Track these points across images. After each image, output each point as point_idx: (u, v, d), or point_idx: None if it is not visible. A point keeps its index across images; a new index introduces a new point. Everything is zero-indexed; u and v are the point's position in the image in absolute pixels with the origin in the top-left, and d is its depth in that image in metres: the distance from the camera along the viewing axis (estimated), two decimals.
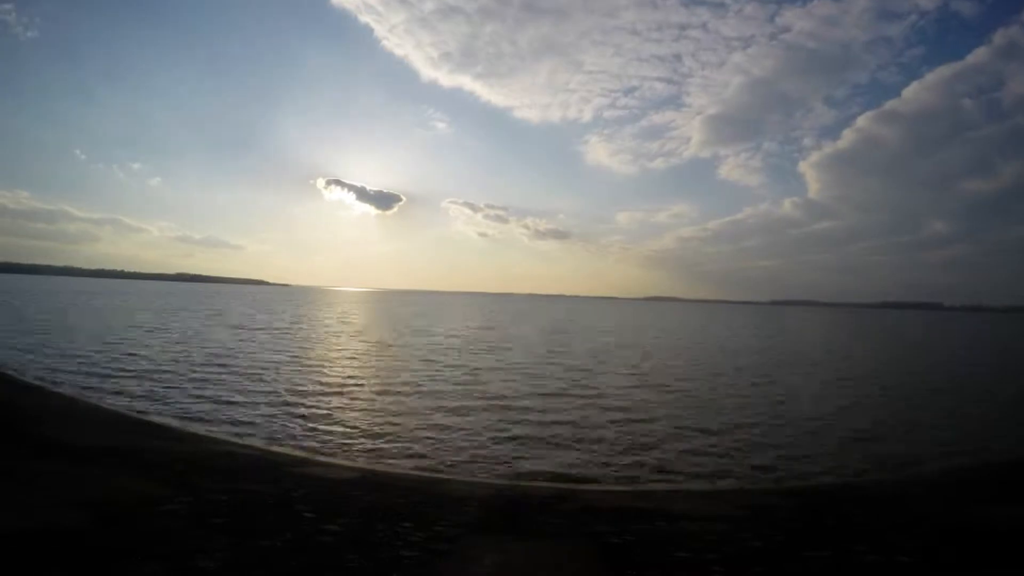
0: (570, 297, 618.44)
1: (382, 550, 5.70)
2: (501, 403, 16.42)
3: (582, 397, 18.03)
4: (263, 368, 21.72)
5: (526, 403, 16.57)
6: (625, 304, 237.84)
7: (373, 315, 73.36)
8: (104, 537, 5.50)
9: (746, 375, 25.02)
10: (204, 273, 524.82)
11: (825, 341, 53.66)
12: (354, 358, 26.04)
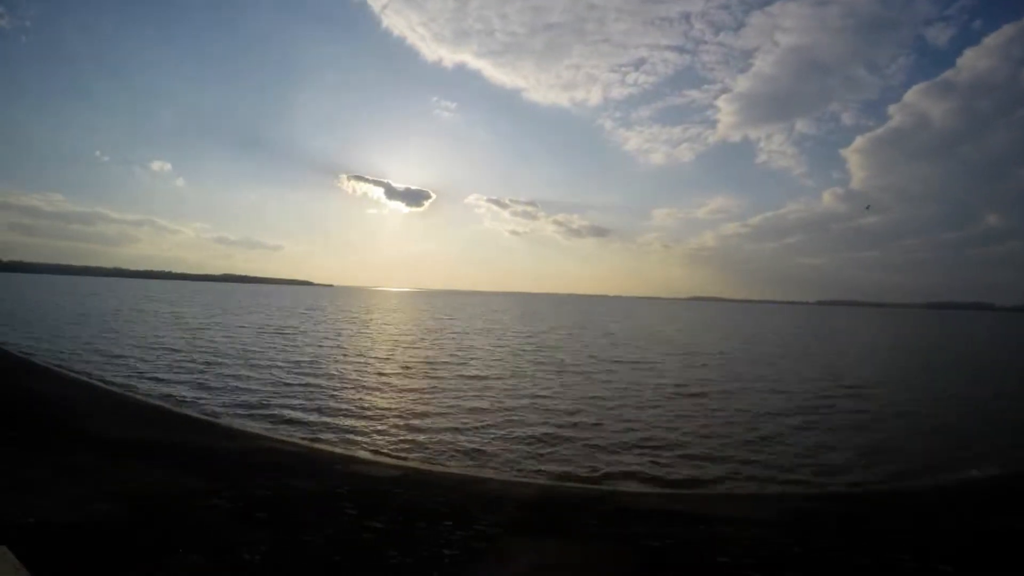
0: (613, 297, 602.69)
1: (422, 548, 5.74)
2: (544, 404, 16.36)
3: (626, 397, 17.83)
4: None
5: (569, 404, 16.47)
6: (679, 305, 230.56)
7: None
8: (147, 529, 5.68)
9: (793, 377, 24.35)
10: (249, 274, 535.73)
11: (873, 343, 51.74)
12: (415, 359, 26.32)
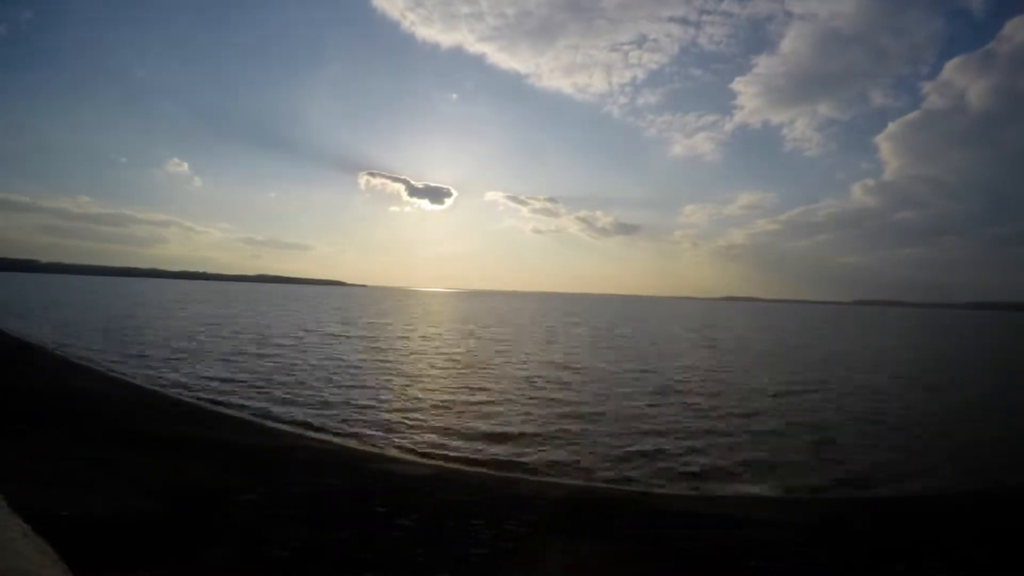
0: (646, 298, 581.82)
1: (451, 546, 5.73)
2: (579, 406, 16.23)
3: (663, 399, 17.59)
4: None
5: (603, 405, 16.31)
6: (724, 307, 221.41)
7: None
8: (182, 523, 5.78)
9: (831, 382, 23.77)
10: (282, 274, 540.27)
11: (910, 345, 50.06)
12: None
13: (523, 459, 11.01)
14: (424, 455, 11.12)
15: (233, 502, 6.68)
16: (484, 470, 10.31)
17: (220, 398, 15.57)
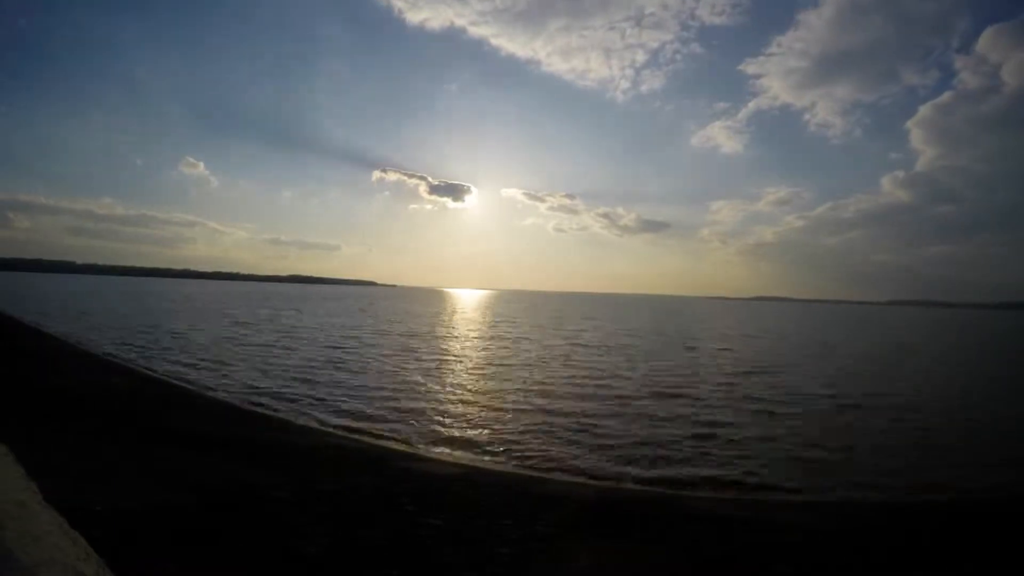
0: (680, 298, 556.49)
1: (479, 545, 5.75)
2: (614, 405, 16.08)
3: (686, 401, 17.32)
4: None
5: (637, 405, 16.14)
6: (768, 306, 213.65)
7: None
8: (213, 519, 5.91)
9: (856, 382, 23.12)
10: (313, 275, 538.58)
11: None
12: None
13: (551, 458, 10.97)
14: (453, 454, 11.15)
15: (264, 498, 6.81)
16: (512, 470, 10.30)
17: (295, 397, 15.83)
